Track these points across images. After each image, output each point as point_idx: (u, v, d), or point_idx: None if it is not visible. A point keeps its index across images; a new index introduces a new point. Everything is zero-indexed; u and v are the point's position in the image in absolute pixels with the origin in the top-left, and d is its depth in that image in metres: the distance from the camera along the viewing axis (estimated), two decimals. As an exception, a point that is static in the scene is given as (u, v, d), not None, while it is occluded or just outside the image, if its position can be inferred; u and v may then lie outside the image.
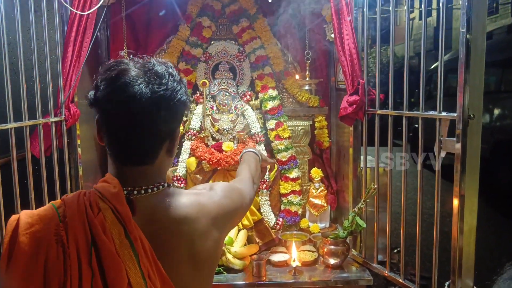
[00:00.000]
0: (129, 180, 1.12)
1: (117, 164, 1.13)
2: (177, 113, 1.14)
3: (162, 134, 1.13)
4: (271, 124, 3.20)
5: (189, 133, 3.14)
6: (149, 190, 1.12)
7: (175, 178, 3.07)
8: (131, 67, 1.09)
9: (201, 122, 3.16)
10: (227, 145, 3.08)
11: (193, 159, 3.09)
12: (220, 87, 3.20)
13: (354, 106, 2.63)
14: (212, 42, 3.27)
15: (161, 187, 1.15)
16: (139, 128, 1.08)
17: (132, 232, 1.03)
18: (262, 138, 3.17)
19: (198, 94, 3.21)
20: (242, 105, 3.22)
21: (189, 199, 1.17)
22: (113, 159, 1.13)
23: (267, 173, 2.96)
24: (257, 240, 3.03)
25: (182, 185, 3.07)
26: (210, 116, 3.17)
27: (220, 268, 2.72)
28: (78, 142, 2.73)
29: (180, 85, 1.14)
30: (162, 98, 1.08)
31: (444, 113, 2.14)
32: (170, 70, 1.14)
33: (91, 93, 1.12)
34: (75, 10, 2.51)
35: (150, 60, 1.14)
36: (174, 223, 1.11)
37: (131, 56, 1.21)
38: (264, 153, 3.11)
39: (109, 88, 1.07)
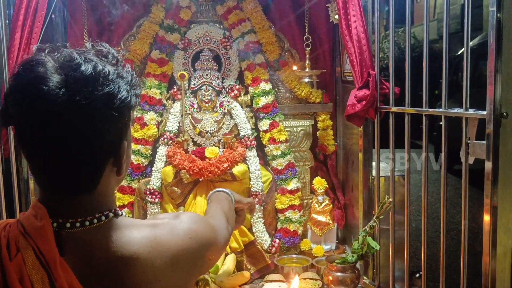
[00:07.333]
0: (61, 210, 1.06)
1: (45, 192, 1.08)
2: (119, 120, 1.07)
3: (100, 153, 1.07)
4: (264, 124, 3.21)
5: (165, 136, 3.14)
6: (87, 223, 1.07)
7: (148, 192, 3.07)
8: (49, 68, 1.01)
9: (179, 123, 3.16)
10: (211, 151, 3.07)
11: (169, 168, 3.08)
12: (202, 80, 3.20)
13: (364, 102, 2.63)
14: (192, 25, 3.26)
15: (103, 218, 1.09)
16: (64, 153, 1.02)
17: (58, 279, 0.97)
18: (253, 142, 3.17)
19: (175, 89, 3.21)
20: (228, 101, 3.22)
21: (141, 234, 1.11)
22: (40, 187, 1.09)
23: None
24: (249, 267, 3.02)
25: (157, 200, 3.07)
26: (190, 116, 3.17)
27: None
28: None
29: (120, 80, 1.06)
30: (93, 110, 1.01)
31: (471, 111, 2.13)
32: (100, 67, 1.04)
33: None
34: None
35: (72, 56, 1.03)
36: (117, 266, 1.05)
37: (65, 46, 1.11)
38: (256, 159, 3.14)
39: (19, 105, 1.01)
